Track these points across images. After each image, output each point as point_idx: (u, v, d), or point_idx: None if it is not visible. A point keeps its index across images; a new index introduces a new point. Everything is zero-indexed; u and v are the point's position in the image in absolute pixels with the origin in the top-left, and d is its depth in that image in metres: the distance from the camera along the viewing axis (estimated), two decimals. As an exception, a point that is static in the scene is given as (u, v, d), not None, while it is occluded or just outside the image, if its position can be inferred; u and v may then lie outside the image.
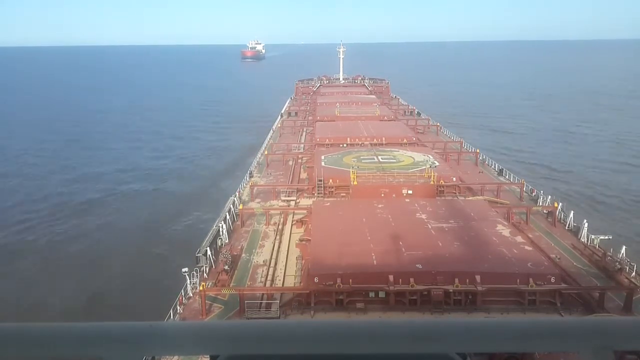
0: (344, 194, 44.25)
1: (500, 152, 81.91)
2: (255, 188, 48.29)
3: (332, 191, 44.92)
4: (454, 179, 46.28)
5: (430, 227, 33.87)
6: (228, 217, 39.24)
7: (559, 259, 32.19)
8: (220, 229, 36.56)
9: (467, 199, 44.12)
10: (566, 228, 37.76)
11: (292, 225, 39.10)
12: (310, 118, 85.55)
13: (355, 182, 43.32)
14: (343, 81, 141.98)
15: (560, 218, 39.25)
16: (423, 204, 38.47)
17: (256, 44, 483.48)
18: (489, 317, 23.45)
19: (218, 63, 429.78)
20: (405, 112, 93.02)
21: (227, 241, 36.34)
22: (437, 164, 48.78)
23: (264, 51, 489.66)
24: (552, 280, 27.28)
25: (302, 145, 66.55)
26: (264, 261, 33.38)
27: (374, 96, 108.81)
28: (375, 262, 29.00)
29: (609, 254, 31.42)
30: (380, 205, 38.12)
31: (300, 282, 29.96)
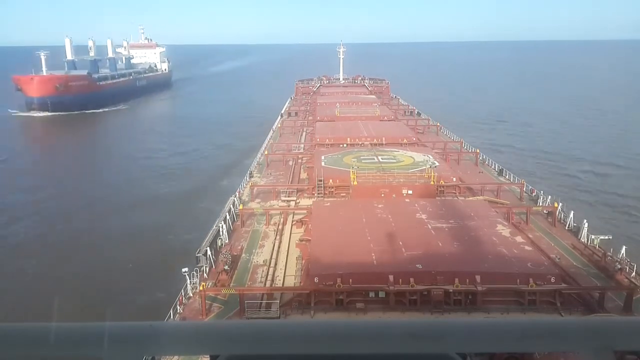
0: (344, 194, 44.23)
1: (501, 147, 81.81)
2: (255, 188, 48.32)
3: (332, 191, 44.91)
4: (454, 179, 46.28)
5: (430, 227, 33.84)
6: (228, 217, 39.26)
7: (559, 259, 32.17)
8: (220, 229, 36.57)
9: (467, 199, 44.11)
10: (566, 228, 37.76)
11: (292, 225, 39.08)
12: (310, 118, 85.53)
13: (355, 182, 43.29)
14: (343, 81, 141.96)
15: (560, 218, 39.24)
16: (423, 204, 38.44)
17: (129, 46, 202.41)
18: (489, 317, 23.48)
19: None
20: (405, 112, 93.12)
21: (227, 241, 36.33)
22: (437, 164, 48.75)
23: (162, 68, 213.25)
24: (552, 280, 27.27)
25: (302, 146, 66.53)
26: (264, 261, 33.37)
27: (374, 96, 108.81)
28: (375, 262, 28.98)
29: (609, 254, 31.41)
30: (380, 206, 38.10)
31: (300, 282, 29.94)
